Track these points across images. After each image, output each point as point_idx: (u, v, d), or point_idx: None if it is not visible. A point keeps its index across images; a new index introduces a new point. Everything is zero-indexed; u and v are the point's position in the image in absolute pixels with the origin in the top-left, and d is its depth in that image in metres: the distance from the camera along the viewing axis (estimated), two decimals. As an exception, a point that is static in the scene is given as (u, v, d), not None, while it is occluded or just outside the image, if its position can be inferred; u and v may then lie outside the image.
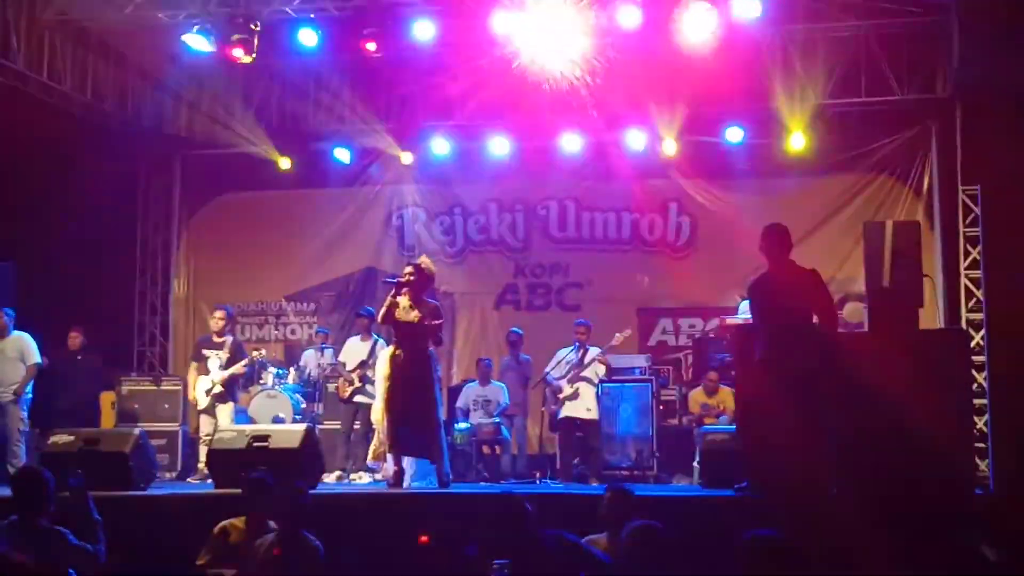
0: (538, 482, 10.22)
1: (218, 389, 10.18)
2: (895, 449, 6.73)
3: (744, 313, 8.37)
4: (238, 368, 10.29)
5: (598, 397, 10.43)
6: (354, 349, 10.62)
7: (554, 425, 10.75)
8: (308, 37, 10.54)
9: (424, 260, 8.69)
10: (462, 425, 10.53)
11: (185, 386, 11.01)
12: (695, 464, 9.38)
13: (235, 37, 10.14)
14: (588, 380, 10.51)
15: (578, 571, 5.23)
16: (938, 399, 6.85)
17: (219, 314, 10.58)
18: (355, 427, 10.39)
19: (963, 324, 10.33)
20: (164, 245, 13.38)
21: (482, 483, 9.79)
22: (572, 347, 10.65)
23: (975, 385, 8.67)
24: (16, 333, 9.97)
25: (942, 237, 11.28)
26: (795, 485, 6.69)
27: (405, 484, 8.30)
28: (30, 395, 9.92)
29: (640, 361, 11.26)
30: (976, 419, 8.43)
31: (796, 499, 6.58)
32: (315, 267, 13.29)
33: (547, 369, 10.71)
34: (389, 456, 8.44)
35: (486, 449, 10.51)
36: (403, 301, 8.36)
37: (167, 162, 13.37)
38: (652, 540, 4.91)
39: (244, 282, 13.29)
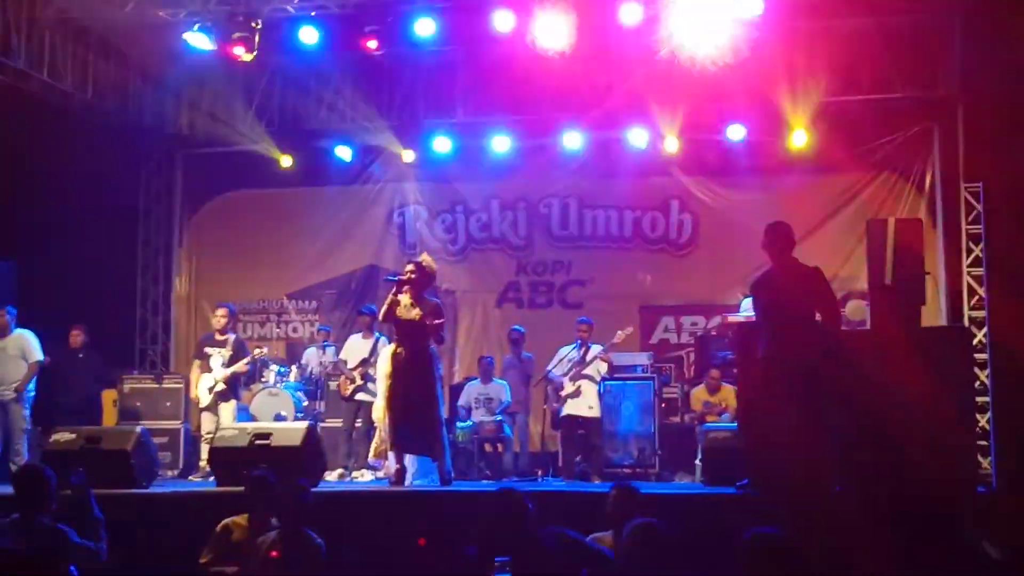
0: (540, 480, 10.22)
1: (220, 387, 10.17)
2: (897, 447, 6.72)
3: (746, 311, 8.35)
4: (240, 366, 10.28)
5: (600, 395, 10.43)
6: (356, 347, 10.62)
7: (556, 423, 10.75)
8: (309, 35, 10.52)
9: (425, 258, 8.66)
10: (464, 423, 10.55)
11: (187, 384, 11.04)
12: (697, 462, 9.40)
13: (236, 35, 10.11)
14: (590, 378, 10.52)
15: (580, 568, 5.21)
16: (940, 397, 6.84)
17: (221, 312, 10.57)
18: (357, 425, 10.39)
19: (965, 322, 10.32)
20: (166, 243, 13.39)
21: (484, 481, 9.78)
22: (574, 345, 10.65)
23: (977, 383, 8.69)
24: (18, 331, 9.99)
25: (944, 234, 11.27)
26: (797, 483, 6.68)
27: (407, 482, 8.30)
28: (32, 393, 9.94)
29: (642, 359, 11.24)
30: (978, 417, 8.43)
31: (798, 497, 6.56)
32: (317, 265, 13.28)
33: (549, 367, 10.71)
34: (391, 454, 8.44)
35: (488, 447, 10.52)
36: (404, 299, 8.34)
37: (168, 160, 13.41)
38: (653, 538, 4.89)
39: (246, 280, 13.29)
